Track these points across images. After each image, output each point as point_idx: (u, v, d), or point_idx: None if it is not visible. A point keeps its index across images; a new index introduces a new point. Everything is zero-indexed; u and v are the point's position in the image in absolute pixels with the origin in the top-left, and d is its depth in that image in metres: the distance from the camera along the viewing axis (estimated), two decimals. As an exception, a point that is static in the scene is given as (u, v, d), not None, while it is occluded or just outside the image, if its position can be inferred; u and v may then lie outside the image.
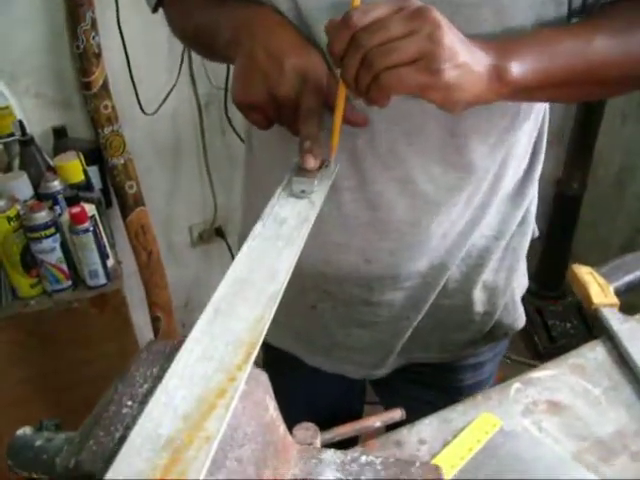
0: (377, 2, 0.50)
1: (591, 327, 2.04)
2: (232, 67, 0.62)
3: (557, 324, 2.10)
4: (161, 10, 0.82)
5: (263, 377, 0.41)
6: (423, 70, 0.49)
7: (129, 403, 0.36)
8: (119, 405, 0.36)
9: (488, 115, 0.65)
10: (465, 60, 0.50)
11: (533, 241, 0.86)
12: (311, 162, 0.56)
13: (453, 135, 0.65)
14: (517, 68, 0.53)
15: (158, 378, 0.37)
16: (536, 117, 0.74)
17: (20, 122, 1.40)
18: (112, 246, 1.44)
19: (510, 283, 0.84)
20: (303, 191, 0.54)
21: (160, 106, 1.58)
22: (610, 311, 0.66)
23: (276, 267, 0.44)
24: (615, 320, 0.65)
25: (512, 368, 1.96)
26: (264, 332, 0.40)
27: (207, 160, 1.74)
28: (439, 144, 0.66)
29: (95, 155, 1.57)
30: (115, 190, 1.61)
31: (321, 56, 0.60)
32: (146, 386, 0.37)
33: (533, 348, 2.06)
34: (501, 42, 0.55)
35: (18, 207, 1.25)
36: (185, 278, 1.96)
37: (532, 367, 0.67)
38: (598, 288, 0.68)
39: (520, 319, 0.89)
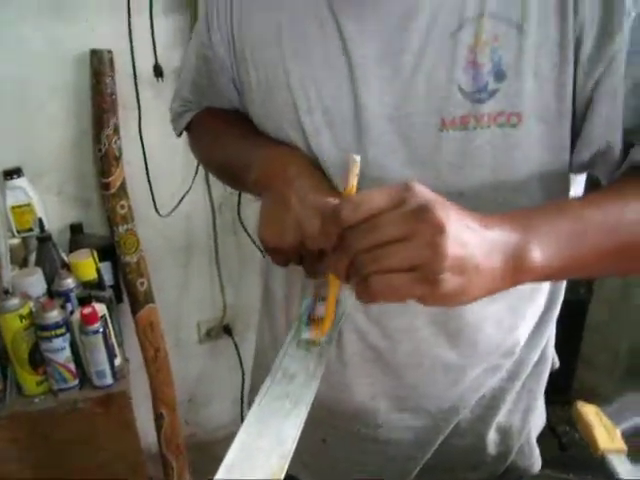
0: (373, 192, 0.45)
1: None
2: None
3: (567, 431, 2.05)
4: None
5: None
6: (419, 280, 0.43)
7: None
8: None
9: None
10: (474, 263, 0.44)
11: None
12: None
13: None
14: (539, 255, 0.48)
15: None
16: None
17: (40, 220, 1.46)
18: (120, 344, 1.44)
19: (526, 424, 0.80)
20: (313, 342, 0.56)
21: (174, 209, 1.63)
22: (618, 458, 0.65)
23: (284, 432, 0.45)
24: (623, 468, 0.63)
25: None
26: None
27: (218, 259, 1.78)
28: None
29: (109, 251, 1.62)
30: (126, 286, 1.64)
31: None
32: None
33: (542, 457, 2.00)
34: (524, 220, 0.50)
35: (31, 305, 1.27)
36: (190, 373, 1.95)
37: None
38: (604, 431, 0.67)
39: (537, 462, 0.84)
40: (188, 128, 0.87)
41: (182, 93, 0.86)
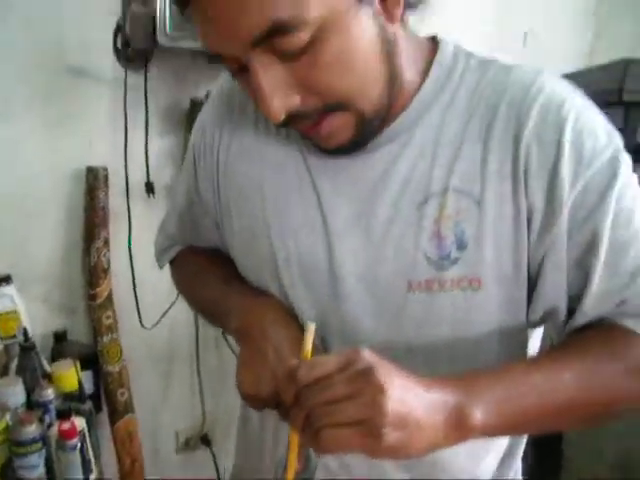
0: (326, 357, 0.53)
1: None
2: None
3: None
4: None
5: None
6: (364, 433, 0.49)
7: None
8: None
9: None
10: (413, 420, 0.50)
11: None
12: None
13: None
14: (480, 415, 0.53)
15: None
16: None
17: (25, 329, 1.47)
18: (97, 457, 1.42)
19: None
20: None
21: (158, 321, 1.66)
22: None
23: None
24: None
25: None
26: None
27: (199, 369, 1.79)
28: None
29: (91, 360, 1.62)
30: (106, 396, 1.64)
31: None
32: None
33: None
34: (465, 381, 0.55)
35: (7, 418, 1.26)
36: (166, 485, 1.90)
37: None
38: None
39: None
40: (172, 262, 0.91)
41: (167, 228, 0.90)
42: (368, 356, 0.51)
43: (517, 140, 0.61)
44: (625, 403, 0.62)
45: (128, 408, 1.65)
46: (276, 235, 0.70)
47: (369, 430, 0.49)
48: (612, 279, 0.61)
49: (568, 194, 0.60)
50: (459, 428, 0.53)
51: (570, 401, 0.58)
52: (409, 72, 0.65)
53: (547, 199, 0.60)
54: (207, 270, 0.83)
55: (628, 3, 2.05)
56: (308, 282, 0.69)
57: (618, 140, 0.63)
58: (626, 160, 0.62)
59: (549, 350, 0.65)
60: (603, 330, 0.62)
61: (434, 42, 0.69)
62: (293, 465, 0.58)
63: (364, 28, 0.56)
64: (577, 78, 1.82)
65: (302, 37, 0.53)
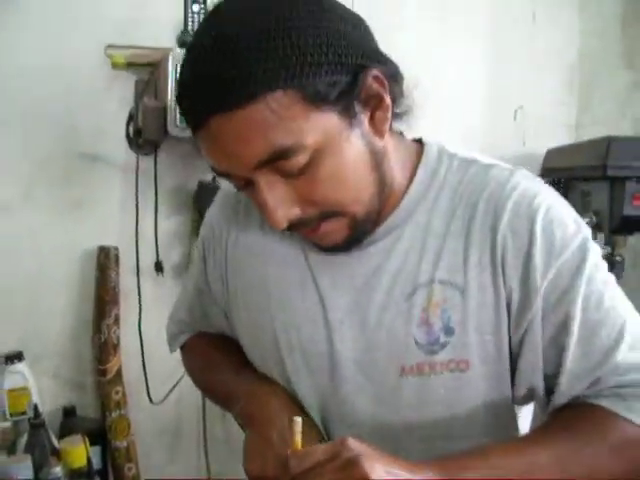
0: (315, 448, 0.57)
1: None
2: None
3: None
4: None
5: None
6: None
7: None
8: None
9: None
10: None
11: None
12: None
13: None
14: None
15: None
16: None
17: (35, 406, 1.50)
18: (103, 536, 1.43)
19: None
20: None
21: (166, 396, 1.69)
22: None
23: None
24: None
25: None
26: None
27: (206, 443, 1.80)
28: None
29: (99, 435, 1.64)
30: (114, 471, 1.65)
31: (319, 436, 0.70)
32: None
33: None
34: (447, 464, 0.60)
35: (16, 497, 1.28)
36: None
37: None
38: None
39: None
40: (182, 347, 0.97)
41: (178, 315, 0.96)
42: (353, 445, 0.56)
43: (494, 232, 0.67)
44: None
45: (135, 484, 1.66)
46: (280, 327, 0.76)
47: None
48: (585, 358, 0.65)
49: (541, 281, 0.65)
50: None
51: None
52: (399, 175, 0.72)
53: (522, 286, 0.66)
54: (216, 358, 0.88)
55: (609, 79, 2.16)
56: (309, 368, 0.74)
57: (586, 229, 0.68)
58: (594, 247, 0.68)
59: (532, 431, 0.70)
60: (582, 411, 0.66)
61: (420, 144, 0.76)
62: None
63: (354, 147, 0.63)
64: (564, 153, 1.91)
65: (301, 160, 0.60)
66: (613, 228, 1.63)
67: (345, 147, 0.62)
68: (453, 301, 0.68)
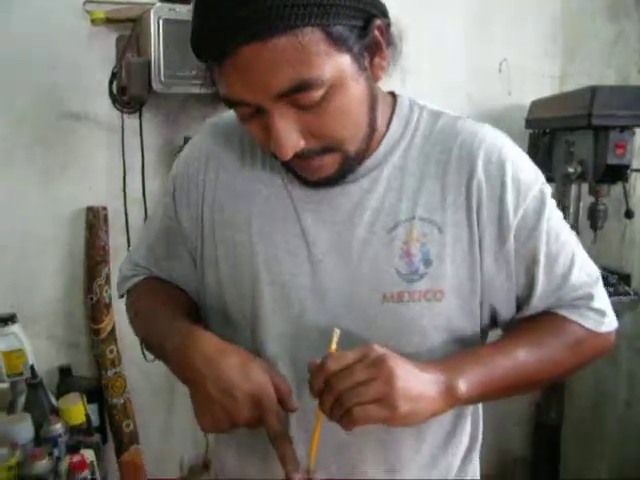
0: (347, 352, 0.65)
1: None
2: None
3: None
4: None
5: None
6: (384, 407, 0.63)
7: None
8: None
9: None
10: (418, 393, 0.65)
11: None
12: (296, 478, 0.66)
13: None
14: (464, 385, 0.69)
15: None
16: None
17: (32, 366, 1.52)
18: (105, 488, 1.47)
19: None
20: None
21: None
22: None
23: None
24: None
25: None
26: None
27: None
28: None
29: (96, 393, 1.68)
30: (112, 428, 1.69)
31: (263, 370, 0.69)
32: None
33: None
34: (451, 363, 0.71)
35: (17, 454, 1.30)
36: (171, 514, 1.93)
37: None
38: None
39: None
40: (129, 290, 0.95)
41: (134, 258, 0.94)
42: (379, 348, 0.65)
43: (470, 177, 0.76)
44: (564, 370, 0.81)
45: (133, 439, 1.70)
46: (261, 261, 0.78)
47: (387, 404, 0.63)
48: (549, 282, 0.79)
49: (513, 219, 0.76)
50: (449, 397, 0.68)
51: (527, 371, 0.75)
52: (380, 121, 0.77)
53: (497, 225, 0.76)
54: (158, 303, 0.86)
55: (593, 30, 2.16)
56: (288, 302, 0.78)
57: (541, 175, 0.80)
58: (549, 189, 0.79)
59: (507, 336, 0.81)
60: (545, 319, 0.80)
61: (393, 96, 0.83)
62: (316, 441, 0.68)
63: (361, 88, 0.69)
64: (548, 104, 1.92)
65: (317, 94, 0.65)
66: (597, 177, 1.65)
67: (353, 87, 0.68)
68: (432, 236, 0.75)
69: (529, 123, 1.98)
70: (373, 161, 0.78)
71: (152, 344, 0.85)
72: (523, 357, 0.75)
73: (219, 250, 0.82)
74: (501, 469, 2.28)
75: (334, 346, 0.67)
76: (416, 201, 0.76)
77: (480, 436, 0.90)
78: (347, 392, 0.63)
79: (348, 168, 0.75)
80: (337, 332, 0.68)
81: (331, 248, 0.77)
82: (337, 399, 0.63)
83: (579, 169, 1.70)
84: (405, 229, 0.75)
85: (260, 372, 0.68)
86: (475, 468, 0.91)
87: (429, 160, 0.77)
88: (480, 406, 0.90)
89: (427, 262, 0.75)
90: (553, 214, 0.79)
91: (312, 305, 0.77)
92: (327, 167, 0.72)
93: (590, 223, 1.75)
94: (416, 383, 0.65)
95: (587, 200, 1.80)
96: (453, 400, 0.68)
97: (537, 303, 0.79)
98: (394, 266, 0.75)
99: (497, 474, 2.29)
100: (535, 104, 1.98)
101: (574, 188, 1.80)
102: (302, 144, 0.68)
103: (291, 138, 0.67)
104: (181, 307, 0.85)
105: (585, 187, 1.80)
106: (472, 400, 0.72)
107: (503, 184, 0.75)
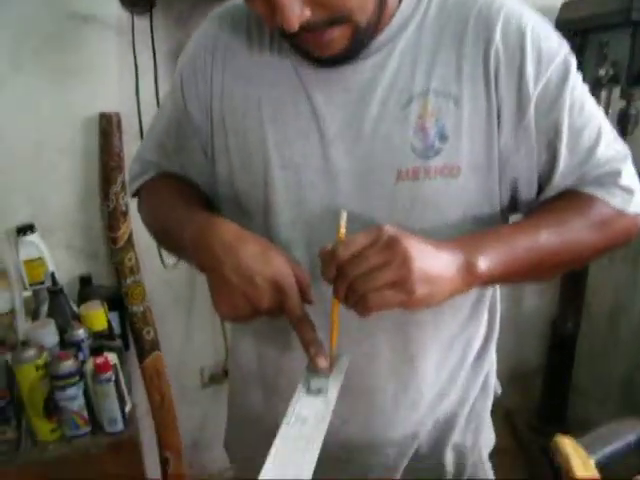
0: (357, 235, 0.61)
1: None
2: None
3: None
4: None
5: None
6: (400, 291, 0.59)
7: None
8: None
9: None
10: (435, 274, 0.61)
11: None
12: (323, 362, 0.66)
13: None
14: (483, 263, 0.65)
15: None
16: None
17: (52, 274, 1.53)
18: (129, 391, 1.51)
19: (477, 443, 0.91)
20: (319, 389, 0.64)
21: (179, 260, 1.71)
22: None
23: (301, 468, 0.53)
24: None
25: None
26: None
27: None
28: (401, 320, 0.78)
29: (116, 302, 1.69)
30: (133, 335, 1.71)
31: (283, 257, 0.67)
32: None
33: (539, 487, 2.05)
34: (469, 241, 0.67)
35: (46, 355, 1.33)
36: (194, 418, 2.00)
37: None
38: (580, 461, 0.75)
39: (489, 476, 0.96)
40: (140, 189, 0.93)
41: (144, 155, 0.92)
42: (390, 229, 0.61)
43: (487, 47, 0.71)
44: (589, 252, 0.75)
45: (154, 346, 1.73)
46: (272, 146, 0.77)
47: (403, 288, 0.59)
48: (572, 157, 0.74)
49: (533, 89, 0.71)
50: (468, 276, 0.64)
51: (551, 250, 0.71)
52: None
53: (516, 96, 0.72)
54: (173, 197, 0.85)
55: None
56: (301, 185, 0.76)
57: (566, 44, 0.74)
58: (574, 59, 0.74)
59: (528, 216, 0.76)
60: (568, 198, 0.75)
61: None
62: (336, 329, 0.67)
63: None
64: (582, 2, 1.80)
65: None
66: (631, 79, 1.57)
67: None
68: (447, 110, 0.72)
69: (559, 24, 1.87)
70: (385, 36, 0.74)
71: (168, 237, 0.83)
72: (546, 236, 0.71)
73: (229, 138, 0.80)
74: (517, 379, 2.32)
75: (343, 230, 0.64)
76: (431, 74, 0.72)
77: (497, 327, 0.89)
78: (360, 278, 0.60)
79: (359, 43, 0.71)
80: (344, 214, 0.64)
81: (343, 127, 0.74)
82: (350, 286, 0.61)
83: (611, 72, 1.62)
84: (419, 103, 0.72)
85: (280, 259, 0.66)
86: (492, 360, 0.92)
87: (444, 32, 0.73)
88: (498, 295, 0.89)
89: (443, 137, 0.72)
90: (578, 85, 0.74)
91: (325, 188, 0.75)
92: (337, 41, 0.69)
93: (620, 129, 1.68)
94: (433, 263, 0.61)
95: (616, 107, 1.72)
96: (472, 279, 0.65)
97: (560, 180, 0.75)
98: (409, 142, 0.72)
99: (512, 384, 2.34)
100: (567, 4, 1.87)
101: (604, 93, 1.72)
102: (308, 13, 0.65)
103: (295, 7, 0.63)
104: (196, 199, 0.84)
105: (616, 93, 1.72)
106: (493, 280, 0.68)
107: (523, 52, 0.71)
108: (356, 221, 0.71)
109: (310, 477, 0.52)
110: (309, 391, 0.64)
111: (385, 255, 0.59)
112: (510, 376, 2.27)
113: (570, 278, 2.13)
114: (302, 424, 0.59)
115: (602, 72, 1.63)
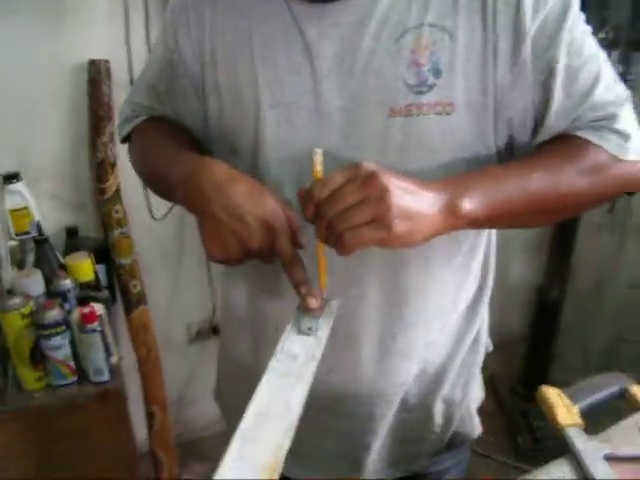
0: (333, 174, 0.60)
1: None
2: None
3: (542, 425, 2.15)
4: None
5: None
6: (378, 228, 0.58)
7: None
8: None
9: (453, 240, 0.76)
10: (415, 210, 0.59)
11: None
12: (313, 302, 0.65)
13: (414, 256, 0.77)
14: (468, 204, 0.63)
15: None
16: (488, 235, 0.86)
17: (38, 223, 1.51)
18: (116, 343, 1.50)
19: (466, 396, 0.92)
20: (310, 328, 0.63)
21: (168, 212, 1.70)
22: (575, 431, 0.72)
23: (290, 402, 0.53)
24: (579, 439, 0.70)
25: (498, 470, 1.99)
26: (283, 458, 0.48)
27: (208, 261, 1.84)
28: (391, 264, 0.77)
29: (103, 254, 1.68)
30: (120, 288, 1.70)
31: (274, 198, 0.66)
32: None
33: (517, 450, 2.10)
34: (455, 181, 0.65)
35: (32, 304, 1.32)
36: (180, 374, 2.01)
37: (516, 469, 0.71)
38: (564, 409, 0.76)
39: (477, 429, 0.97)
40: (131, 133, 0.91)
41: (135, 98, 0.91)
42: (368, 165, 0.60)
43: None
44: (581, 199, 0.72)
45: (141, 300, 1.72)
46: (263, 83, 0.75)
47: (381, 225, 0.58)
48: (567, 99, 0.71)
49: (530, 25, 0.68)
50: (452, 216, 0.62)
51: (540, 194, 0.68)
52: None
53: (513, 31, 0.69)
54: (163, 138, 0.84)
55: None
56: (292, 123, 0.74)
57: None
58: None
59: (520, 159, 0.73)
60: (562, 142, 0.72)
61: None
62: (323, 270, 0.66)
63: None
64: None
65: None
66: (632, 44, 1.55)
67: None
68: (442, 44, 0.70)
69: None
70: None
71: (159, 179, 0.82)
72: (537, 179, 0.68)
73: (220, 75, 0.79)
74: (501, 346, 2.35)
75: (319, 167, 0.62)
76: (426, 7, 0.70)
77: (490, 283, 0.89)
78: (337, 217, 0.58)
79: None
80: (318, 152, 0.62)
81: (335, 62, 0.72)
82: (329, 225, 0.60)
83: (611, 35, 1.60)
84: (413, 37, 0.70)
85: (271, 199, 0.65)
86: (483, 316, 0.92)
87: None
88: (493, 250, 0.88)
89: (437, 72, 0.70)
90: (578, 25, 0.70)
91: (316, 125, 0.74)
92: None
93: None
94: (412, 199, 0.59)
95: (616, 69, 1.71)
96: (455, 219, 0.63)
97: (553, 122, 0.72)
98: (401, 77, 0.70)
99: (496, 350, 2.36)
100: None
101: (602, 58, 1.71)
102: None
103: None
104: (187, 142, 0.82)
105: (614, 57, 1.70)
106: (478, 222, 0.65)
107: None
108: (347, 162, 0.69)
109: (299, 413, 0.52)
110: (300, 331, 0.64)
111: (362, 192, 0.58)
112: (494, 342, 2.30)
113: (557, 246, 2.15)
114: (292, 360, 0.59)
115: (602, 35, 1.61)
